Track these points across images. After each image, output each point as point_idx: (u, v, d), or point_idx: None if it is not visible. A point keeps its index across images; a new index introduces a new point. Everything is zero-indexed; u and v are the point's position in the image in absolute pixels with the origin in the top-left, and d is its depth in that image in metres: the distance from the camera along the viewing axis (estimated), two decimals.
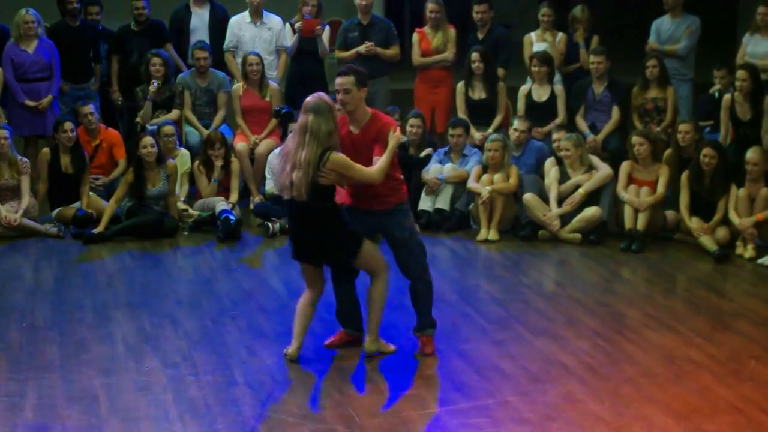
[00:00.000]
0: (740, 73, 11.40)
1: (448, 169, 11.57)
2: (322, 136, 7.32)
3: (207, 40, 12.95)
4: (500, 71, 12.68)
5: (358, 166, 7.45)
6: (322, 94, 7.48)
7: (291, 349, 7.78)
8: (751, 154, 10.70)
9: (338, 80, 7.54)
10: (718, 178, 10.72)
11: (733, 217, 10.64)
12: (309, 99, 7.44)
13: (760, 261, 10.31)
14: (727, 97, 11.61)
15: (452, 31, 12.99)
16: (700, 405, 7.09)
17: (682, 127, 11.22)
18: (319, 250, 7.60)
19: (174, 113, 12.44)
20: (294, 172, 7.35)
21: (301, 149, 7.33)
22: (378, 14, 13.04)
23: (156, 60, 12.37)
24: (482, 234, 11.11)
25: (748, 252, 10.49)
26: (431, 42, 12.92)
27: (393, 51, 12.95)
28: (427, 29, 13.01)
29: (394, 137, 7.54)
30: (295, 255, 7.73)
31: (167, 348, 8.07)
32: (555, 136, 11.61)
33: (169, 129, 11.81)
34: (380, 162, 7.44)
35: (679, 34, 12.91)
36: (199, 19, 13.24)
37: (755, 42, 12.40)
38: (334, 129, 7.38)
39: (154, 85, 12.28)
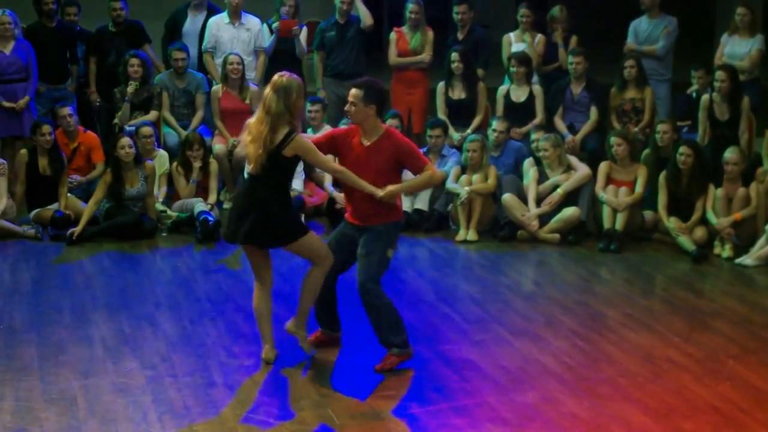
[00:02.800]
0: (719, 74, 11.44)
1: None
2: (273, 114, 7.35)
3: (196, 44, 12.96)
4: (479, 72, 12.69)
5: (323, 156, 7.52)
6: (289, 74, 7.48)
7: (265, 352, 7.77)
8: (731, 154, 10.74)
9: (350, 90, 7.62)
10: (695, 178, 10.76)
11: (711, 217, 10.68)
12: (276, 75, 7.49)
13: (737, 261, 10.35)
14: (705, 97, 11.65)
15: (430, 34, 13.00)
16: (679, 404, 7.11)
17: (660, 127, 11.26)
18: (259, 230, 7.50)
19: (152, 114, 12.41)
20: (251, 144, 7.41)
21: (258, 124, 7.41)
22: (355, 14, 13.03)
23: (134, 61, 12.35)
24: (461, 234, 11.12)
25: (726, 252, 10.53)
26: (409, 42, 12.93)
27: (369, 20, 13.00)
28: (405, 29, 13.02)
29: (431, 176, 7.72)
30: (233, 236, 7.63)
31: (146, 349, 8.05)
32: (533, 136, 11.65)
33: (147, 130, 11.78)
34: (389, 188, 7.56)
35: (656, 34, 12.94)
36: (192, 24, 13.25)
37: (733, 43, 12.46)
38: (286, 111, 7.36)
39: (131, 86, 12.25)
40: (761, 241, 10.36)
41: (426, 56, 12.90)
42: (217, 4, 13.46)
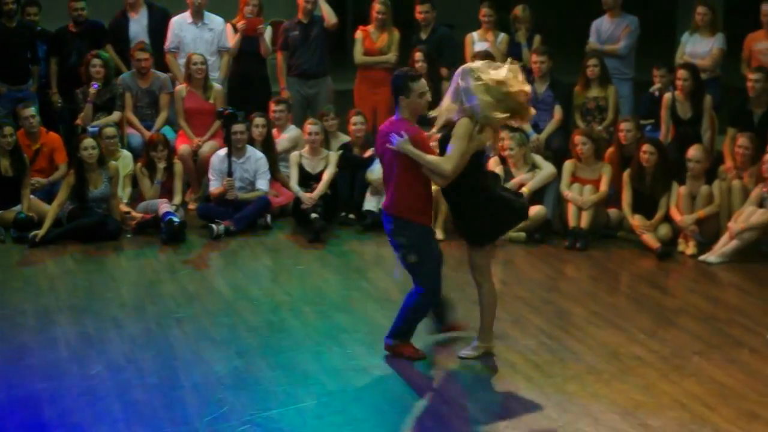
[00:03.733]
0: (681, 73, 11.50)
1: None
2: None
3: (148, 42, 12.89)
4: (444, 71, 12.69)
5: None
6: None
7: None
8: (694, 151, 10.81)
9: None
10: (659, 175, 10.82)
11: (675, 214, 10.74)
12: None
13: (701, 258, 10.41)
14: (667, 95, 11.71)
15: (396, 34, 13.00)
16: (645, 401, 7.15)
17: (623, 125, 11.30)
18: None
19: (115, 115, 12.33)
20: None
21: None
22: (319, 14, 13.02)
23: (96, 61, 12.26)
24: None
25: (690, 249, 10.59)
26: (375, 42, 12.93)
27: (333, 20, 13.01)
28: (371, 29, 13.01)
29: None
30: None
31: (111, 352, 8.01)
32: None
33: (110, 131, 11.71)
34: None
35: (618, 33, 13.00)
36: (138, 25, 13.14)
37: (694, 41, 12.54)
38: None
39: (94, 87, 12.17)
40: (724, 238, 10.43)
41: (392, 56, 12.90)
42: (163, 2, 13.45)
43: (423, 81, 7.64)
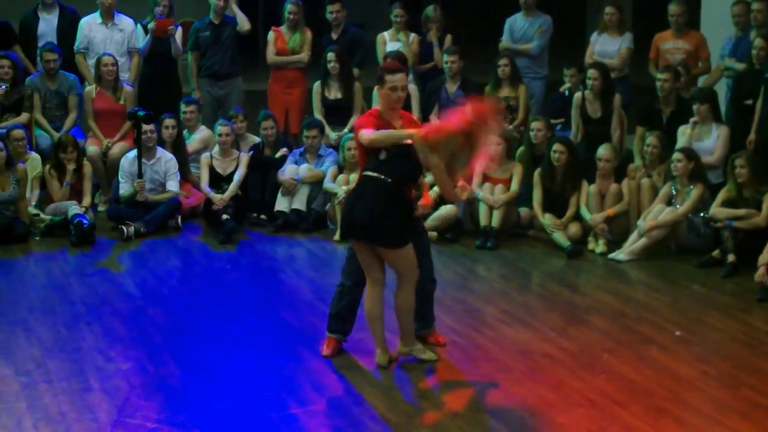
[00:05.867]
0: (591, 73, 11.61)
1: (304, 169, 11.56)
2: None
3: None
4: (355, 71, 12.71)
5: None
6: None
7: (378, 356, 7.73)
8: (603, 150, 10.93)
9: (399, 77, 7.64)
10: (569, 174, 10.92)
11: (585, 213, 10.84)
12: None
13: (611, 256, 10.51)
14: (578, 95, 11.82)
15: (309, 34, 12.98)
16: (555, 399, 7.20)
17: (534, 125, 11.40)
18: (373, 226, 7.46)
19: (23, 116, 12.18)
20: None
21: None
22: (230, 14, 12.97)
23: (4, 62, 12.11)
24: (339, 234, 11.11)
25: (600, 247, 10.69)
26: (287, 42, 12.91)
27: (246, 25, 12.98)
28: (284, 29, 12.98)
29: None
30: (345, 233, 7.82)
31: (20, 355, 7.90)
32: None
33: (18, 133, 11.58)
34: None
35: (532, 32, 13.11)
36: (47, 25, 12.98)
37: (603, 41, 12.68)
38: None
39: (1, 88, 12.01)
40: (633, 236, 10.55)
41: (304, 56, 12.88)
42: (72, 3, 13.29)
43: (400, 76, 7.61)
